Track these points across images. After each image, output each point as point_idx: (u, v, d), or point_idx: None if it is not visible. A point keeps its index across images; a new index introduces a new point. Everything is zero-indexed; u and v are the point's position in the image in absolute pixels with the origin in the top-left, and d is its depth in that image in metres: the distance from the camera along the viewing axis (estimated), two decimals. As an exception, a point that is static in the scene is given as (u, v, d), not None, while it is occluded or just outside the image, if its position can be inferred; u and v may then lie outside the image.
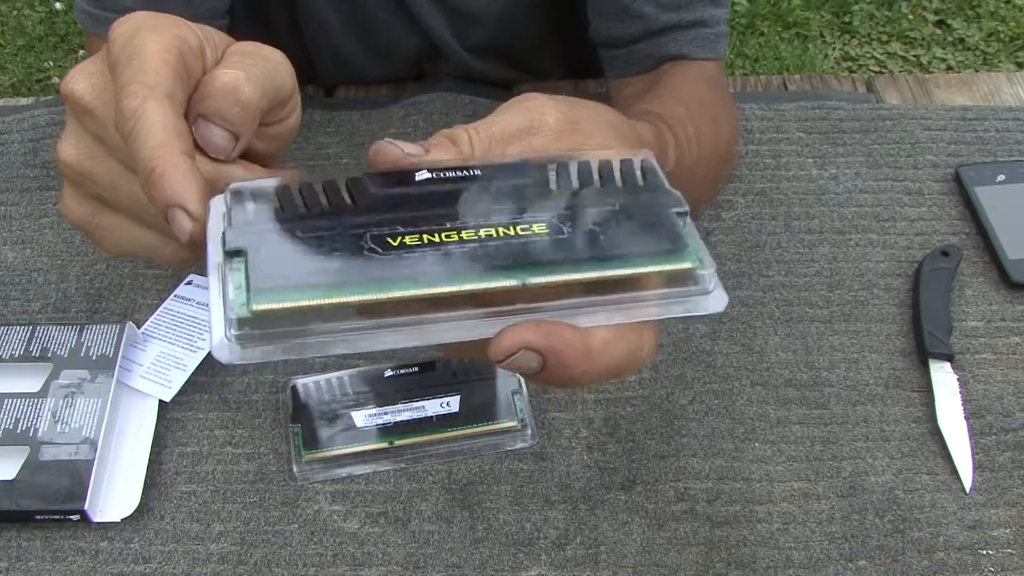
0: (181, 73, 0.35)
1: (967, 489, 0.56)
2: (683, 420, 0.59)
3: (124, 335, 0.60)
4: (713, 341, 0.63)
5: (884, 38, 2.18)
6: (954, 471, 0.57)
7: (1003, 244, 0.67)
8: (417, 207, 0.32)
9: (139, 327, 0.62)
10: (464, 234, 0.31)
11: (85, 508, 0.53)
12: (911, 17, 2.21)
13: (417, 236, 0.31)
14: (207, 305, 0.63)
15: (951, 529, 0.54)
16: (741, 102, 0.77)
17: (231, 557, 0.53)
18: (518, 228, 0.32)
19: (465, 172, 0.33)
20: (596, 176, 0.34)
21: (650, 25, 0.64)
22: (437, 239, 0.31)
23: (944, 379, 0.60)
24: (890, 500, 0.55)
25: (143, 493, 0.55)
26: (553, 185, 0.34)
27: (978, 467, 0.57)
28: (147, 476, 0.56)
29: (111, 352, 0.59)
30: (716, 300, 0.32)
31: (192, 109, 0.35)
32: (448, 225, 0.31)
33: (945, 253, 0.66)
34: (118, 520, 0.54)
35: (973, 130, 0.76)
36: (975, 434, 0.58)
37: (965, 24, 2.19)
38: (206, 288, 0.64)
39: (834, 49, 2.15)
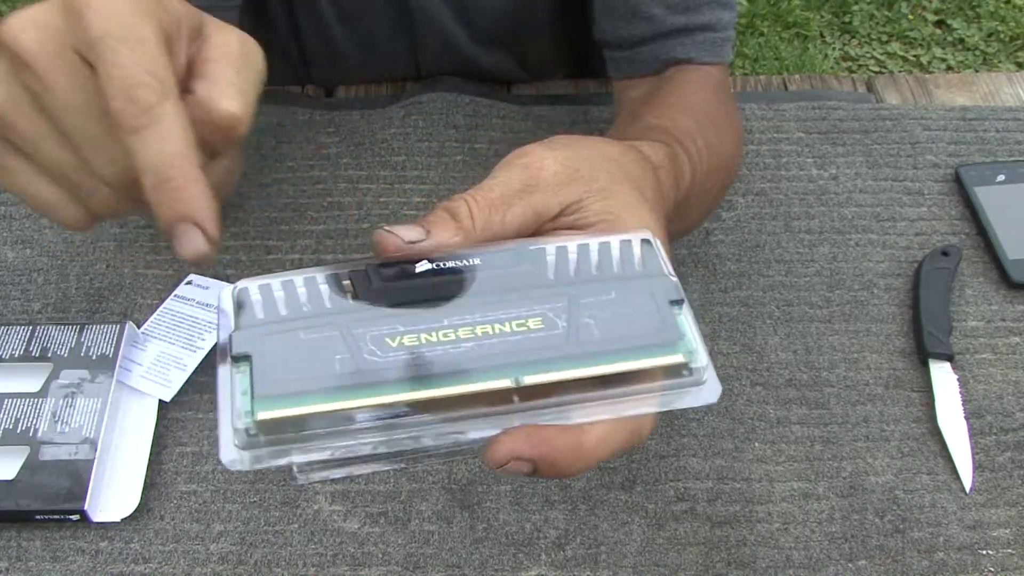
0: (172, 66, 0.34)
1: (967, 489, 0.56)
2: (683, 420, 0.59)
3: (124, 335, 0.60)
4: (713, 341, 0.63)
5: (884, 38, 2.18)
6: (954, 471, 0.57)
7: (1003, 244, 0.67)
8: (416, 300, 0.33)
9: (139, 327, 0.62)
10: (461, 332, 0.33)
11: (85, 508, 0.53)
12: (911, 17, 2.21)
13: (415, 336, 0.32)
14: (207, 305, 0.63)
15: (951, 529, 0.54)
16: (741, 102, 0.77)
17: (231, 557, 0.53)
18: (514, 324, 0.33)
19: (464, 262, 0.35)
20: (595, 259, 0.35)
21: (658, 27, 0.64)
22: (435, 339, 0.32)
23: (944, 379, 0.60)
24: (890, 500, 0.55)
25: (143, 493, 0.55)
26: (551, 272, 0.35)
27: (978, 467, 0.57)
28: (147, 476, 0.56)
29: (111, 352, 0.59)
30: (709, 392, 0.33)
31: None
32: (446, 322, 0.33)
33: (945, 253, 0.66)
34: (118, 520, 0.54)
35: (973, 130, 0.76)
36: (975, 434, 0.58)
37: (965, 24, 2.19)
38: (206, 288, 0.64)
39: (834, 49, 2.15)
